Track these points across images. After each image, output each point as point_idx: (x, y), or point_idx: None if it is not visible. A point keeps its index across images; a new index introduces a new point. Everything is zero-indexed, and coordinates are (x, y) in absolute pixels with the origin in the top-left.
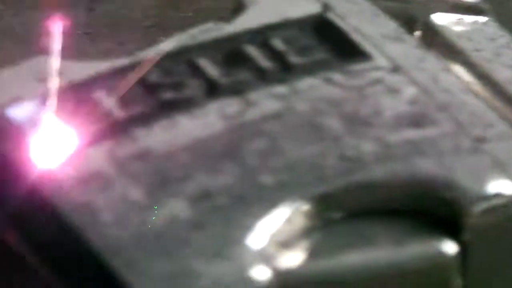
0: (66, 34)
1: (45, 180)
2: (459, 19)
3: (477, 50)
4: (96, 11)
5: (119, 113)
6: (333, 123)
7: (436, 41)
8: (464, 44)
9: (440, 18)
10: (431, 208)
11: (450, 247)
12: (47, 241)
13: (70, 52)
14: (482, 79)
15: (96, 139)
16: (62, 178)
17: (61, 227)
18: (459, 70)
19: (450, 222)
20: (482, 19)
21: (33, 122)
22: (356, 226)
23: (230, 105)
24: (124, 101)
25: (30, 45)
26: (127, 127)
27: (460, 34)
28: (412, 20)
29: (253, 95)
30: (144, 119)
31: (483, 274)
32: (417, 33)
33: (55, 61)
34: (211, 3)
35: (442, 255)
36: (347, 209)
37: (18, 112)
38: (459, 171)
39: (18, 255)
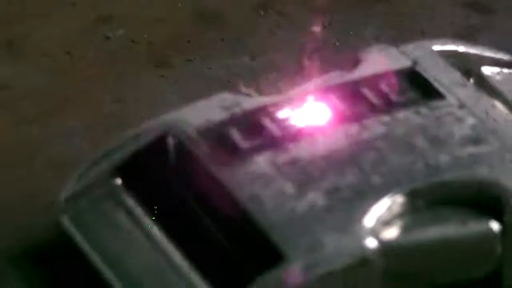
0: None
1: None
2: (499, 71)
3: (511, 92)
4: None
5: (277, 133)
6: (420, 141)
7: (484, 86)
8: (502, 88)
9: (487, 70)
10: (484, 199)
11: (496, 226)
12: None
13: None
14: None
15: (261, 150)
16: (239, 176)
17: (240, 210)
18: (499, 106)
19: (496, 209)
20: None
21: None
22: (434, 212)
23: (352, 128)
24: (281, 124)
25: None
26: (282, 142)
27: (500, 81)
28: (469, 71)
29: (367, 122)
30: (294, 136)
31: None
32: (472, 79)
33: (234, 96)
34: (335, 58)
35: (491, 231)
36: (428, 200)
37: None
38: (503, 175)
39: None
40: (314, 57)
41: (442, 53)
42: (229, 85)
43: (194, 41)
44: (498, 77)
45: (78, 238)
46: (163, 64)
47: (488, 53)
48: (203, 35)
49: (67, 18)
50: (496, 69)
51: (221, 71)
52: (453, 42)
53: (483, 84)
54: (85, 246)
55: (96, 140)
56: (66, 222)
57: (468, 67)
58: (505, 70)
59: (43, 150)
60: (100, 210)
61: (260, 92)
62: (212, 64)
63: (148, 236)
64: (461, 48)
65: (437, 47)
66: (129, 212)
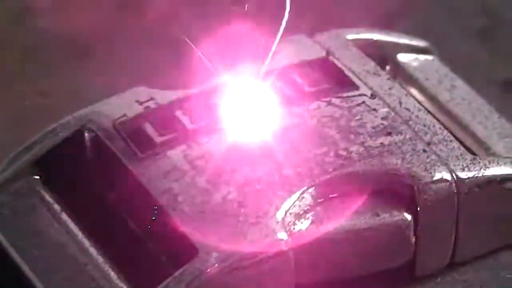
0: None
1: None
2: (415, 57)
3: (426, 79)
4: None
5: (190, 127)
6: (332, 132)
7: (400, 73)
8: (418, 75)
9: (402, 57)
10: (396, 189)
11: (408, 215)
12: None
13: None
14: (430, 99)
15: (175, 144)
16: (152, 170)
17: (154, 204)
18: (415, 93)
19: (409, 198)
20: (430, 57)
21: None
22: (345, 201)
23: (264, 120)
24: (194, 117)
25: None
26: (196, 136)
27: (415, 68)
28: (384, 59)
29: (280, 113)
30: (207, 130)
31: (427, 232)
32: (388, 67)
33: (149, 90)
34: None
35: (403, 220)
36: (339, 190)
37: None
38: (415, 164)
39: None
40: (232, 46)
41: (357, 42)
42: (149, 77)
43: (116, 30)
44: (414, 64)
45: None
46: (86, 56)
47: (404, 40)
48: (125, 24)
49: None
50: (412, 56)
51: (142, 61)
52: (368, 31)
53: (399, 71)
54: (3, 241)
55: (19, 133)
56: None
57: (383, 55)
58: (421, 57)
59: None
60: (18, 205)
61: (176, 85)
62: (133, 55)
63: (66, 230)
64: (376, 36)
65: (351, 36)
66: (47, 207)
